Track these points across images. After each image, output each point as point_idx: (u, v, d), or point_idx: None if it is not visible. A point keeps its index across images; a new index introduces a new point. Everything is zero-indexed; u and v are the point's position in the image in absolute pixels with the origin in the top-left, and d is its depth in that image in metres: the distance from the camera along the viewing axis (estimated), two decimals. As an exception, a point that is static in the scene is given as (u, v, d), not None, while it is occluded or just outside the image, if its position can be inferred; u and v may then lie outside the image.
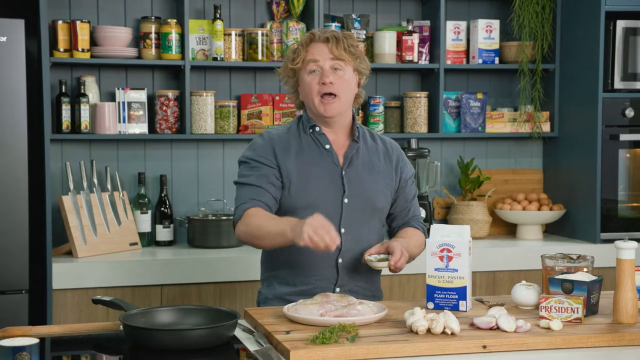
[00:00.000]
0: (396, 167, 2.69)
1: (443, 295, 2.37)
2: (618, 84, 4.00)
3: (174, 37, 3.86)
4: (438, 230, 2.39)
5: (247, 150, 2.64)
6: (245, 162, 2.61)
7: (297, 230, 2.31)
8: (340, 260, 2.57)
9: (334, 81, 2.54)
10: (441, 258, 2.36)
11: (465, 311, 2.35)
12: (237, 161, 2.68)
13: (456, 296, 2.36)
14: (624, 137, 4.03)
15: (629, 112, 4.02)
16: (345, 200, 2.57)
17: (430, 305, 2.38)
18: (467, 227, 2.40)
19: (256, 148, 2.61)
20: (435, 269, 2.37)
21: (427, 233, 2.74)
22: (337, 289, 2.57)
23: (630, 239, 2.25)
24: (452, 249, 2.35)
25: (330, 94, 2.55)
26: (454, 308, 2.36)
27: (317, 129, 2.62)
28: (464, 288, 2.35)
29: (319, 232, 2.27)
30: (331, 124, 2.62)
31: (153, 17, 3.92)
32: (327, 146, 2.60)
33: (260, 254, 2.73)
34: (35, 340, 1.82)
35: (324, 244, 2.27)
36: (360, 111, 4.13)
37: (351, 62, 2.57)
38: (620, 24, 3.98)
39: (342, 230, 2.56)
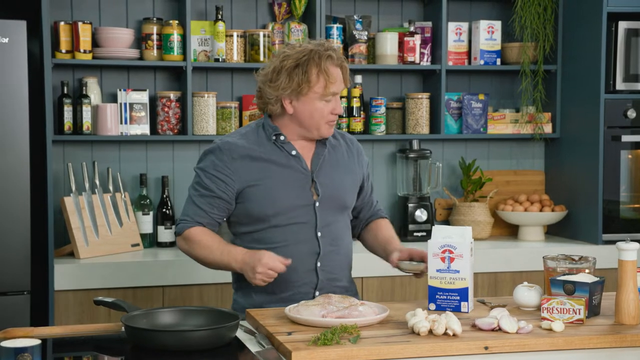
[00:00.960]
0: (358, 161, 2.72)
1: (445, 297, 2.37)
2: (620, 85, 4.00)
3: (175, 38, 3.86)
4: (440, 231, 2.39)
5: (203, 159, 2.59)
6: (197, 173, 2.59)
7: (246, 270, 2.43)
8: (319, 264, 2.57)
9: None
10: (443, 259, 2.36)
11: (467, 312, 2.35)
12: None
13: (458, 297, 2.36)
14: (625, 138, 4.03)
15: (631, 113, 4.02)
16: (317, 204, 2.57)
17: (432, 306, 2.38)
18: (469, 228, 2.40)
19: (213, 160, 2.56)
20: (437, 270, 2.37)
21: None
22: (317, 293, 2.57)
23: (632, 240, 2.25)
24: (454, 250, 2.35)
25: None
26: (456, 309, 2.35)
27: (282, 137, 2.58)
28: (466, 289, 2.35)
29: (268, 274, 2.40)
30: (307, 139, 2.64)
31: (155, 18, 3.92)
32: (294, 152, 2.59)
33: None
34: (37, 342, 1.82)
35: (268, 279, 2.42)
36: (362, 112, 4.13)
37: None
38: (622, 25, 3.98)
39: (319, 234, 2.57)
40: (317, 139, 2.61)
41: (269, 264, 2.38)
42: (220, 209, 2.57)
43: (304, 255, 2.55)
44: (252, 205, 2.55)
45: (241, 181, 2.54)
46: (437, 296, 2.38)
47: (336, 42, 4.04)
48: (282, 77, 2.50)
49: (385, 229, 2.77)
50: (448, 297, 2.37)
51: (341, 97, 4.08)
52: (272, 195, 2.54)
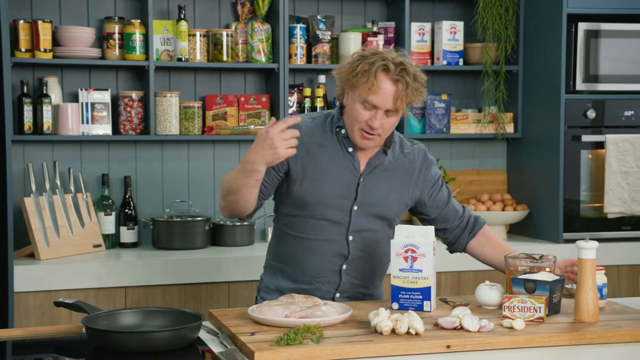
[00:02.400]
0: (418, 177, 2.63)
1: (408, 296, 2.38)
2: (580, 85, 4.05)
3: (137, 37, 3.84)
4: (403, 230, 2.40)
5: None
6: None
7: (259, 148, 2.29)
8: (344, 267, 2.56)
9: (381, 126, 2.46)
10: (405, 259, 2.37)
11: (430, 311, 2.37)
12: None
13: (420, 296, 2.37)
14: (585, 138, 4.08)
15: (591, 114, 4.07)
16: (355, 208, 2.55)
17: (395, 305, 2.39)
18: (432, 227, 2.41)
19: None
20: (400, 270, 2.38)
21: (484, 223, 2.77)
22: (337, 294, 2.57)
23: (591, 239, 2.27)
24: (417, 249, 2.36)
25: (372, 133, 2.47)
26: (419, 308, 2.36)
27: (344, 131, 2.55)
28: (429, 288, 2.36)
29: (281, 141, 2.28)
30: None
31: (116, 17, 3.89)
32: (350, 149, 2.55)
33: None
34: (-4, 344, 1.80)
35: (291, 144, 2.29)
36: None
37: (407, 105, 2.48)
38: (582, 27, 4.02)
39: (350, 238, 2.55)
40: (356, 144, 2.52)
41: (273, 127, 2.28)
42: (269, 176, 2.49)
43: (331, 254, 2.54)
44: (296, 187, 2.51)
45: (295, 159, 2.49)
46: (400, 295, 2.39)
47: (299, 42, 4.04)
48: (347, 65, 2.47)
49: (496, 238, 2.74)
50: (411, 296, 2.38)
51: (306, 97, 4.08)
52: (316, 184, 2.50)
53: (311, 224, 2.54)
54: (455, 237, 2.75)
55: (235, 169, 2.44)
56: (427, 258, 2.36)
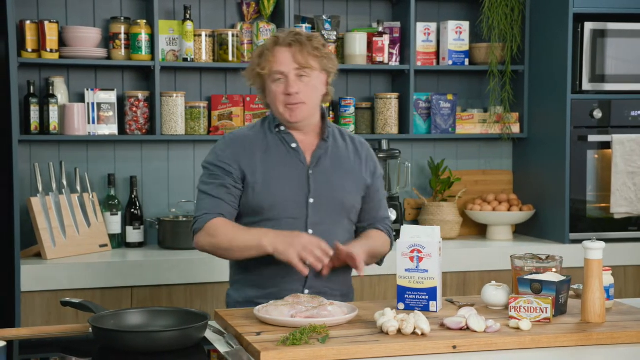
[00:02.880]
0: (366, 165, 2.68)
1: (414, 296, 2.38)
2: (586, 85, 4.04)
3: (143, 37, 3.84)
4: (408, 231, 2.39)
5: (209, 154, 2.63)
6: (206, 167, 2.61)
7: (280, 246, 2.37)
8: (308, 262, 2.56)
9: (299, 90, 2.52)
10: (411, 259, 2.37)
11: (436, 312, 2.36)
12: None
13: (427, 297, 2.37)
14: (592, 138, 4.07)
15: (597, 114, 4.06)
16: (311, 200, 2.56)
17: (401, 305, 2.39)
18: (438, 227, 2.41)
19: (217, 152, 2.60)
20: (406, 270, 2.38)
21: (392, 234, 2.75)
22: (306, 291, 2.56)
23: (598, 240, 2.27)
24: (423, 249, 2.36)
25: (294, 102, 2.53)
26: (425, 309, 2.36)
27: (283, 128, 2.60)
28: (434, 289, 2.36)
29: (313, 251, 2.35)
30: (298, 126, 2.60)
31: (122, 18, 3.90)
32: (294, 145, 2.59)
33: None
34: (3, 343, 1.80)
35: (315, 261, 2.35)
36: (331, 112, 4.14)
37: (318, 66, 2.54)
38: (588, 26, 4.01)
39: (310, 231, 2.55)
40: (288, 125, 2.57)
41: (311, 242, 2.36)
42: (235, 197, 2.55)
43: None
44: (250, 195, 2.54)
45: (244, 170, 2.54)
46: (405, 296, 2.38)
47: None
48: (248, 70, 2.60)
49: (367, 236, 2.67)
50: (417, 296, 2.37)
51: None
52: (268, 186, 2.53)
53: (270, 225, 2.53)
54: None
55: (238, 229, 2.48)
56: (433, 258, 2.36)
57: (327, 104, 2.73)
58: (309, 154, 2.60)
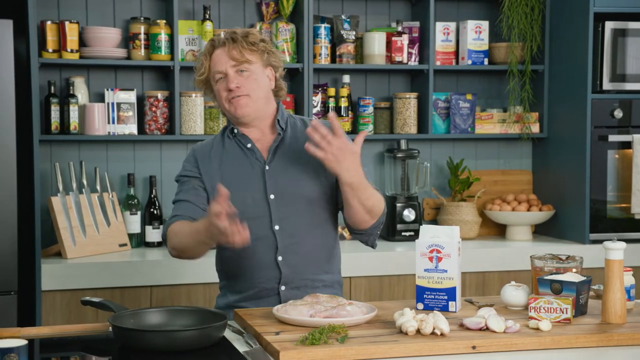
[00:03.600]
0: None
1: (433, 296, 2.37)
2: (607, 85, 4.02)
3: (163, 37, 3.86)
4: (427, 231, 2.39)
5: (181, 168, 2.67)
6: (177, 181, 2.66)
7: (211, 233, 2.28)
8: (280, 258, 2.53)
9: (240, 84, 2.51)
10: (430, 259, 2.37)
11: (455, 312, 2.36)
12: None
13: (446, 297, 2.36)
14: (612, 138, 4.05)
15: (618, 113, 4.04)
16: (272, 197, 2.53)
17: (420, 305, 2.38)
18: (457, 227, 2.40)
19: (184, 164, 2.65)
20: (425, 270, 2.37)
21: (384, 200, 2.55)
22: (283, 287, 2.54)
23: (618, 240, 2.26)
24: (442, 249, 2.35)
25: (237, 95, 2.53)
26: (444, 309, 2.36)
27: (236, 131, 2.59)
28: (454, 289, 2.36)
29: (222, 225, 2.21)
30: (250, 124, 2.58)
31: (142, 18, 3.91)
32: (249, 145, 2.58)
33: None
34: (24, 342, 1.81)
35: (233, 236, 2.22)
36: (350, 112, 4.13)
37: (257, 60, 2.54)
38: (609, 25, 3.99)
39: (276, 227, 2.53)
40: (239, 119, 2.56)
41: (214, 212, 2.23)
42: (201, 197, 2.56)
43: (262, 251, 2.52)
44: (212, 202, 2.49)
45: (206, 179, 2.57)
46: (425, 296, 2.38)
47: (324, 42, 4.05)
48: (197, 82, 2.64)
49: None
50: (436, 296, 2.37)
51: (330, 97, 4.09)
52: (230, 192, 2.42)
53: None
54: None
55: (187, 228, 2.45)
56: (452, 258, 2.35)
57: (282, 99, 2.69)
58: (265, 150, 2.58)
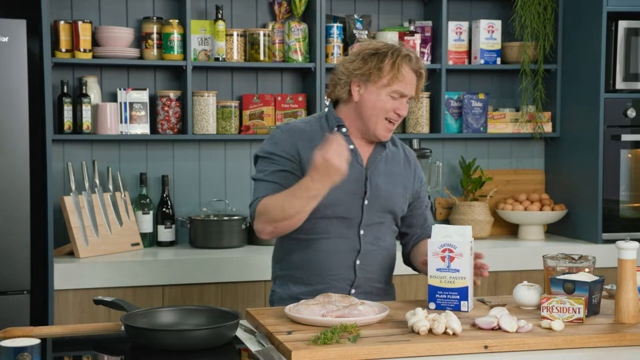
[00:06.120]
0: (414, 176, 2.68)
1: (445, 296, 2.37)
2: (620, 84, 4.00)
3: (175, 37, 3.86)
4: (440, 230, 2.39)
5: (266, 144, 2.56)
6: (262, 156, 2.55)
7: (325, 179, 2.27)
8: (358, 262, 2.56)
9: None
10: (443, 258, 2.36)
11: (467, 311, 2.35)
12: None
13: (458, 296, 2.36)
14: (625, 137, 4.03)
15: (631, 113, 4.02)
16: (366, 202, 2.56)
17: (432, 305, 2.38)
18: (469, 227, 2.40)
19: (276, 142, 2.54)
20: (437, 270, 2.37)
21: None
22: (353, 290, 2.56)
23: (631, 240, 2.25)
24: (454, 249, 2.35)
25: (395, 122, 2.55)
26: (456, 308, 2.35)
27: (344, 130, 2.57)
28: (466, 288, 2.35)
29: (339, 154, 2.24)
30: (364, 137, 2.60)
31: (155, 18, 3.92)
32: (352, 147, 2.57)
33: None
34: (37, 341, 1.82)
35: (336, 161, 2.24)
36: (361, 111, 4.13)
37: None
38: (622, 25, 3.98)
39: (362, 232, 2.56)
40: (373, 139, 2.57)
41: (329, 154, 2.25)
42: (294, 181, 2.46)
43: (344, 251, 2.55)
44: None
45: (302, 161, 2.51)
46: (437, 295, 2.38)
47: (336, 41, 4.05)
48: (358, 60, 2.52)
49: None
50: (448, 296, 2.37)
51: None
52: None
53: (323, 223, 2.53)
54: (406, 244, 2.76)
55: (283, 194, 2.40)
56: (464, 258, 2.35)
57: None
58: (366, 157, 2.60)
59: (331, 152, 2.24)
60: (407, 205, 2.68)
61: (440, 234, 2.37)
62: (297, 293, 2.57)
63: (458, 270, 2.35)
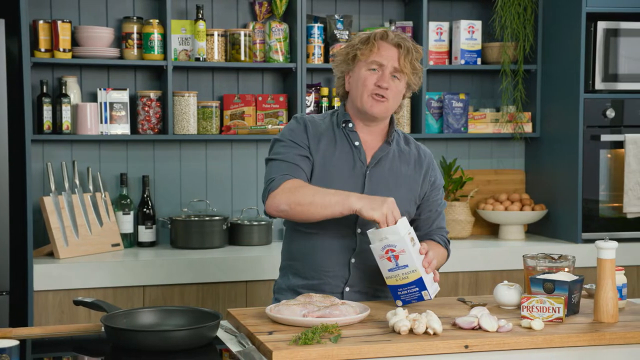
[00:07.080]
0: (425, 174, 2.65)
1: (405, 291, 2.39)
2: (599, 84, 4.03)
3: (156, 37, 3.85)
4: (375, 235, 2.37)
5: (284, 131, 2.61)
6: (280, 140, 2.58)
7: (369, 204, 2.35)
8: (353, 261, 2.56)
9: (389, 87, 2.54)
10: (389, 259, 2.37)
11: (431, 299, 2.39)
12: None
13: (417, 288, 2.38)
14: (605, 137, 4.06)
15: (610, 113, 4.05)
16: None
17: (399, 302, 2.41)
18: (402, 219, 2.37)
19: (293, 129, 2.59)
20: (389, 270, 2.39)
21: (449, 245, 2.72)
22: (347, 289, 2.57)
23: (610, 239, 2.26)
24: (395, 248, 2.35)
25: (382, 95, 2.54)
26: (420, 299, 2.39)
27: (351, 125, 2.59)
28: (420, 279, 2.37)
29: (393, 213, 2.35)
30: (367, 124, 2.60)
31: (135, 17, 3.90)
32: (357, 143, 2.58)
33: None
34: (16, 342, 1.81)
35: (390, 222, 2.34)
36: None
37: (408, 76, 2.58)
38: (601, 25, 4.00)
39: (358, 230, 2.56)
40: (370, 119, 2.57)
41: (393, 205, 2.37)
42: (309, 168, 2.54)
43: (339, 248, 2.55)
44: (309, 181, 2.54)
45: (316, 158, 2.55)
46: (398, 292, 2.40)
47: (317, 41, 4.05)
48: (343, 51, 2.61)
49: (429, 246, 2.59)
50: (408, 291, 2.39)
51: (323, 97, 4.09)
52: (326, 178, 2.52)
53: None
54: None
55: (320, 187, 2.46)
56: (407, 252, 2.35)
57: (396, 115, 2.75)
58: (370, 154, 2.60)
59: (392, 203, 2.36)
60: (416, 208, 2.65)
61: (377, 239, 2.37)
62: (295, 285, 2.59)
63: (407, 266, 2.36)
